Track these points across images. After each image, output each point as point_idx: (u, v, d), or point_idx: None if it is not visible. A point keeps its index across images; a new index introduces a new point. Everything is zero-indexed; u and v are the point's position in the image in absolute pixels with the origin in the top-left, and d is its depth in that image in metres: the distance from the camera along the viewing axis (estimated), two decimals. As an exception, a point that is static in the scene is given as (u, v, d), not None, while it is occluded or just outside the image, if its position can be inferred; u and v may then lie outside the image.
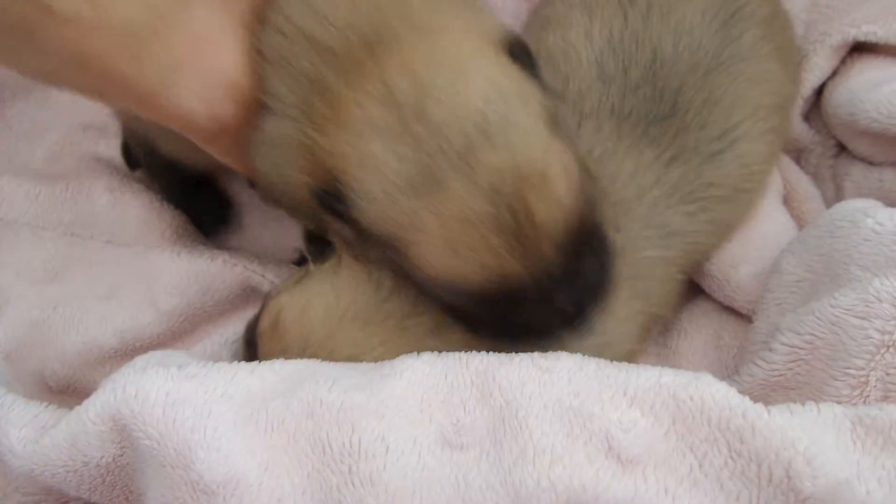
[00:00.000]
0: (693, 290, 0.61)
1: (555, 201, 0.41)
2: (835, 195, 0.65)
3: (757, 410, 0.37)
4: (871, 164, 0.63)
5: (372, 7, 0.44)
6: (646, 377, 0.39)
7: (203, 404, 0.39)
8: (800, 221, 0.62)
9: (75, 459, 0.41)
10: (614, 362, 0.41)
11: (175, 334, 0.61)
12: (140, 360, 0.45)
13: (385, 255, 0.45)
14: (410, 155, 0.40)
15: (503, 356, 0.41)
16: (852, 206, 0.50)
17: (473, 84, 0.41)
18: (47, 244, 0.63)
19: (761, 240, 0.57)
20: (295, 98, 0.45)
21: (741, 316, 0.58)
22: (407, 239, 0.42)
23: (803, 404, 0.39)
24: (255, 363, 0.43)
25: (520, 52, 0.45)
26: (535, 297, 0.42)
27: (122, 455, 0.41)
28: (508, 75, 0.43)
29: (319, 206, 0.45)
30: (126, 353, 0.58)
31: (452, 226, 0.40)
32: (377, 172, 0.41)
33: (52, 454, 0.41)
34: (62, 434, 0.41)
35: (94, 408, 0.40)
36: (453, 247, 0.40)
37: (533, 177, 0.40)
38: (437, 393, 0.40)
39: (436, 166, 0.40)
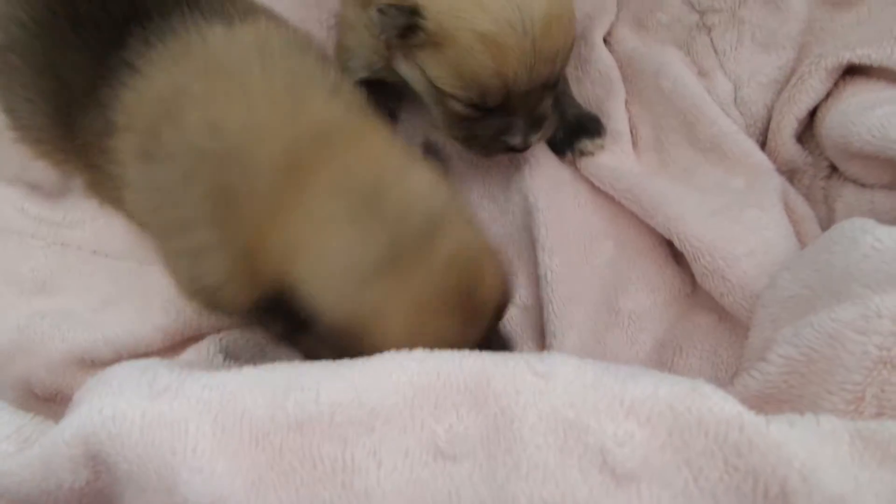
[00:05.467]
0: (689, 305, 0.61)
1: (497, 280, 0.46)
2: (826, 216, 0.65)
3: (755, 423, 0.36)
4: (863, 185, 0.63)
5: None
6: (643, 387, 0.38)
7: (180, 420, 0.38)
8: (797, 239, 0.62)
9: (48, 481, 0.39)
10: (612, 369, 0.40)
11: (169, 348, 0.60)
12: (115, 375, 0.43)
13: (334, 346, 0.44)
14: (371, 240, 0.42)
15: (497, 357, 0.40)
16: (851, 224, 0.50)
17: (419, 180, 0.45)
18: (36, 253, 0.63)
19: (766, 244, 0.58)
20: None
21: (738, 333, 0.57)
22: (367, 326, 0.42)
23: (802, 415, 0.38)
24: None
25: (432, 152, 0.49)
26: None
27: (96, 479, 0.40)
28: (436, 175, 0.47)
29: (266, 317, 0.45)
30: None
31: (414, 305, 0.42)
32: (336, 257, 0.42)
33: (25, 473, 0.39)
34: (36, 455, 0.39)
35: (69, 429, 0.39)
36: (416, 326, 0.42)
37: (483, 260, 0.45)
38: (428, 396, 0.39)
39: (396, 251, 0.42)
